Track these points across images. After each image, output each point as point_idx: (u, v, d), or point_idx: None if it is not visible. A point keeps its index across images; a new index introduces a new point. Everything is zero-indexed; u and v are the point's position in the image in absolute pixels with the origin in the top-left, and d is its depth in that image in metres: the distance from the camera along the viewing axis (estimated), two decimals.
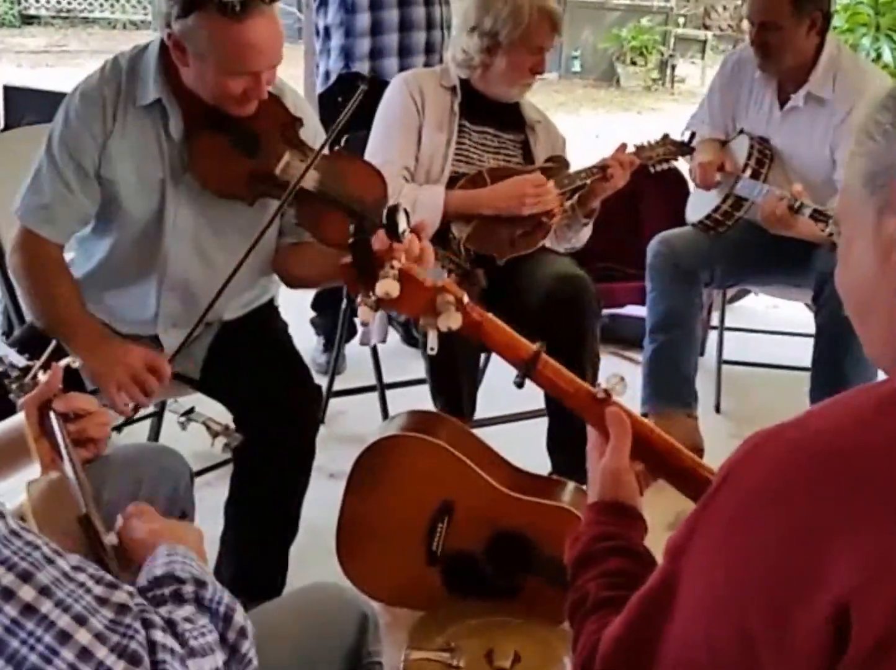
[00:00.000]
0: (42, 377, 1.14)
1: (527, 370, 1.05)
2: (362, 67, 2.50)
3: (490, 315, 1.11)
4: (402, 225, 1.19)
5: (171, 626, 0.73)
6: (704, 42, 12.02)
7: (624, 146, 2.13)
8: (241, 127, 1.53)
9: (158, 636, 0.70)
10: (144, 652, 0.68)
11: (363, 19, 2.49)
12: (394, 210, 1.19)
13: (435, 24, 2.56)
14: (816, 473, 0.60)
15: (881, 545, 0.56)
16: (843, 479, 0.59)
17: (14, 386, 1.17)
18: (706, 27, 14.01)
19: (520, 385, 1.07)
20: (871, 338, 0.72)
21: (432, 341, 1.12)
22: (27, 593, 0.65)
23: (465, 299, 1.11)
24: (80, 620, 0.66)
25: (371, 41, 2.50)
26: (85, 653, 0.66)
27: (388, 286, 1.09)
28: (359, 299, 1.12)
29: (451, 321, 1.09)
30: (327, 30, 2.57)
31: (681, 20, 12.64)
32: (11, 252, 1.61)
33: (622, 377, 1.03)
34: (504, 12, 1.99)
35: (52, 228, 1.58)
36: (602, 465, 0.95)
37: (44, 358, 1.18)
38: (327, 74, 2.59)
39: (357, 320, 1.23)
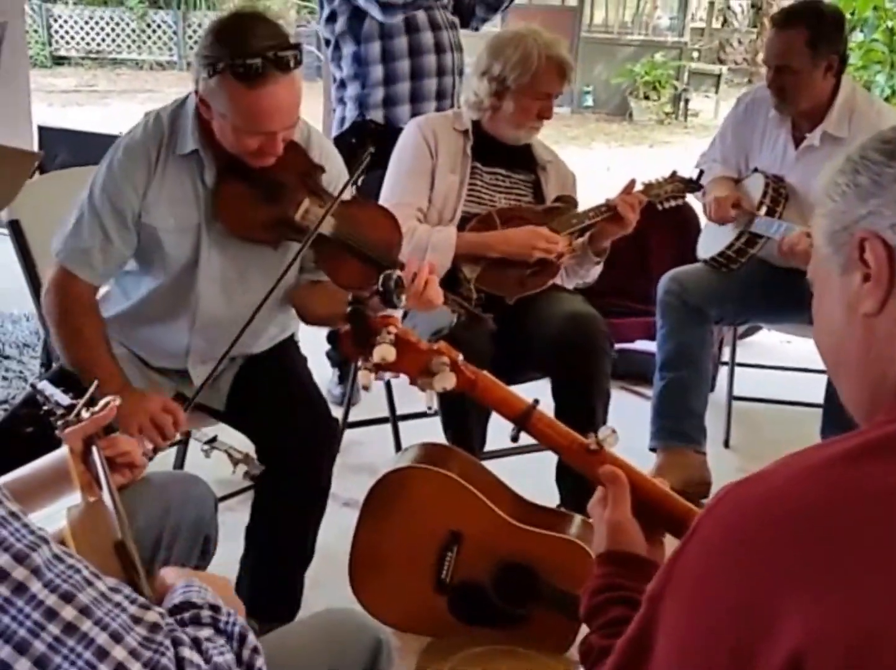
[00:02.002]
0: (85, 414, 1.22)
1: (521, 424, 1.09)
2: (376, 115, 2.59)
3: (484, 373, 1.15)
4: (397, 292, 1.24)
5: (196, 644, 0.78)
6: (719, 76, 12.06)
7: (632, 183, 2.15)
8: (265, 176, 1.60)
9: (186, 652, 0.76)
10: (174, 667, 0.74)
11: (376, 71, 2.58)
12: (388, 278, 1.25)
13: (446, 70, 2.63)
14: (766, 530, 0.60)
15: (828, 602, 0.56)
16: (790, 537, 0.59)
17: (59, 422, 1.23)
18: (721, 61, 14.12)
19: (515, 439, 1.10)
20: (845, 391, 0.74)
21: (429, 400, 1.17)
22: (69, 613, 0.71)
23: (460, 359, 1.15)
24: (117, 638, 0.72)
25: (384, 91, 2.58)
26: (121, 668, 0.71)
27: (384, 352, 1.14)
28: (358, 364, 1.17)
29: (446, 382, 1.13)
30: (342, 81, 2.66)
31: (695, 54, 12.73)
32: (45, 292, 1.67)
33: (613, 429, 1.05)
34: (514, 59, 2.03)
35: (91, 271, 1.63)
36: (605, 519, 0.96)
37: (87, 396, 1.26)
38: (342, 121, 2.68)
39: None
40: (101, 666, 0.71)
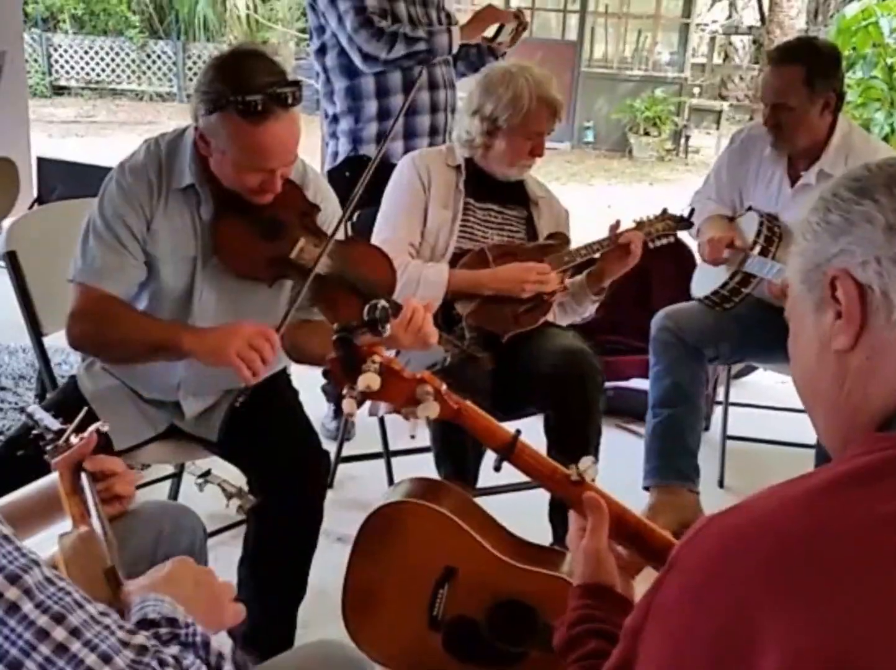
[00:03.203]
0: (74, 440, 1.23)
1: (505, 454, 1.11)
2: (369, 150, 2.61)
3: (468, 403, 1.16)
4: (383, 321, 1.25)
5: (178, 663, 0.80)
6: (720, 112, 12.13)
7: (617, 224, 2.16)
8: (262, 213, 1.62)
9: None
10: None
11: (370, 106, 2.60)
12: (374, 307, 1.26)
13: (439, 107, 2.66)
14: (746, 559, 0.61)
15: (806, 629, 0.57)
16: (769, 566, 0.60)
17: (49, 447, 1.25)
18: (722, 97, 14.25)
19: (497, 468, 1.12)
20: (820, 425, 0.75)
21: (412, 429, 1.19)
22: (60, 634, 0.73)
23: (444, 389, 1.16)
24: (106, 659, 0.74)
25: (378, 126, 2.61)
26: None
27: (369, 380, 1.14)
28: (344, 392, 1.17)
29: (430, 411, 1.14)
30: (335, 115, 2.68)
31: (696, 90, 12.86)
32: (74, 322, 1.61)
33: (594, 460, 1.07)
34: (505, 98, 2.05)
35: (117, 284, 1.62)
36: (581, 547, 0.98)
37: (76, 422, 1.27)
38: (335, 155, 2.70)
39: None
40: None
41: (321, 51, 2.64)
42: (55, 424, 1.30)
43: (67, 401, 1.62)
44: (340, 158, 2.68)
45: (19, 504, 1.06)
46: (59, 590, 0.74)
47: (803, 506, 0.62)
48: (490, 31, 2.83)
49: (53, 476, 1.11)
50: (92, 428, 1.24)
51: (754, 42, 15.39)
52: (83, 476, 1.16)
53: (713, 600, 0.61)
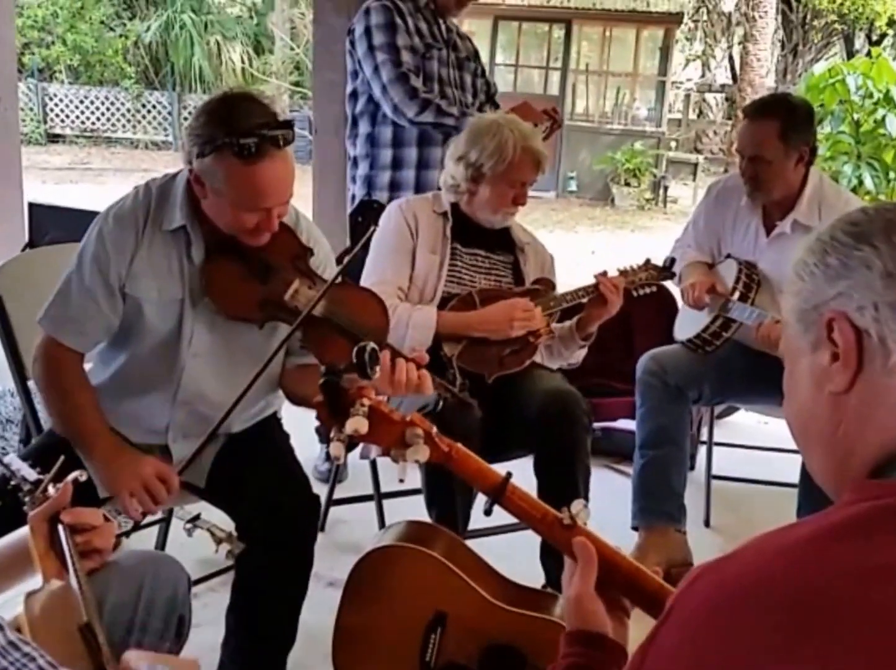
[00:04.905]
0: (52, 490, 1.20)
1: (496, 497, 1.09)
2: (381, 196, 2.68)
3: (459, 445, 1.14)
4: (371, 364, 1.25)
5: None
6: (696, 165, 12.48)
7: (603, 273, 2.20)
8: (255, 256, 1.63)
9: None
10: None
11: (386, 154, 2.69)
12: (363, 349, 1.26)
13: None
14: (745, 607, 0.60)
15: None
16: (769, 615, 0.59)
17: (26, 498, 1.22)
18: (697, 151, 14.64)
19: (488, 512, 1.10)
20: (814, 466, 0.75)
21: (401, 472, 1.16)
22: None
23: (434, 431, 1.14)
24: None
25: (391, 174, 2.69)
26: None
27: (357, 424, 1.13)
28: (332, 434, 1.16)
29: (420, 454, 1.13)
30: (355, 159, 2.77)
31: (673, 144, 13.21)
32: (34, 361, 1.66)
33: (586, 503, 1.06)
34: (489, 147, 2.09)
35: (76, 338, 1.64)
36: (569, 594, 0.96)
37: (53, 472, 1.25)
38: (353, 198, 2.79)
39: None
40: None
41: (353, 95, 2.73)
42: (32, 474, 1.27)
43: (50, 447, 1.60)
44: (357, 202, 2.76)
45: None
46: (24, 656, 0.72)
47: (796, 558, 0.62)
48: None
49: (25, 529, 1.08)
50: (69, 478, 1.22)
51: (727, 99, 15.90)
52: (60, 528, 1.12)
53: (712, 649, 0.61)
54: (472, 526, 2.06)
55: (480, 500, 2.23)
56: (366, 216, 2.68)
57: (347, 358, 1.26)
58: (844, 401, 0.70)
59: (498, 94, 2.98)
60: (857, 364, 0.68)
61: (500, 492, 1.09)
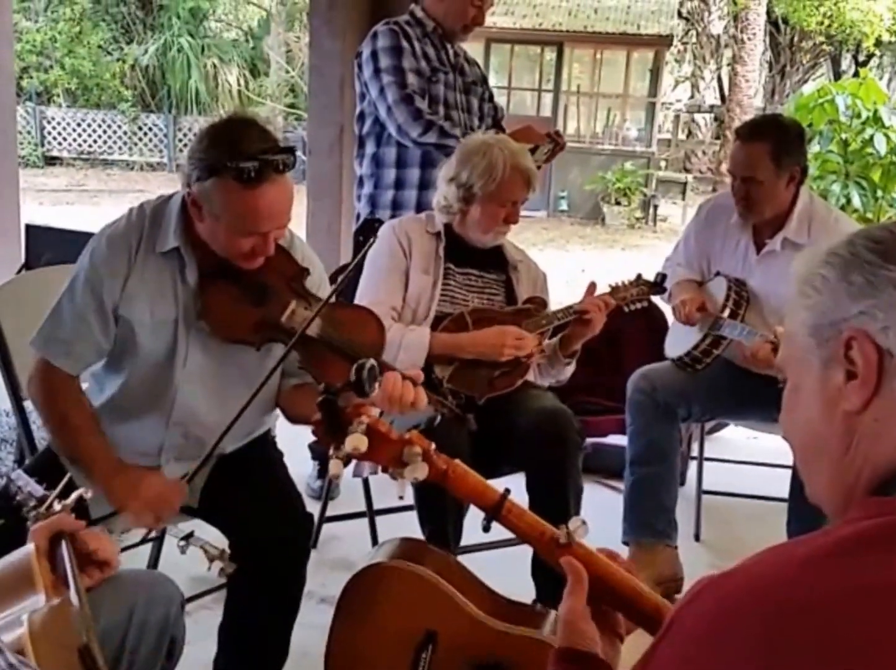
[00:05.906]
0: (57, 506, 1.20)
1: (493, 514, 1.09)
2: (384, 215, 2.72)
3: (457, 462, 1.15)
4: (369, 383, 1.26)
5: None
6: (685, 184, 12.58)
7: (593, 286, 2.22)
8: (251, 278, 1.63)
9: None
10: None
11: (389, 174, 2.73)
12: (361, 367, 1.26)
13: None
14: (751, 621, 0.60)
15: None
16: (776, 629, 0.58)
17: (31, 514, 1.22)
18: (686, 170, 14.77)
19: (486, 529, 1.10)
20: (815, 484, 0.74)
21: (400, 490, 1.17)
22: None
23: (432, 449, 1.15)
24: None
25: (394, 194, 2.74)
26: None
27: (356, 441, 1.13)
28: (330, 452, 1.16)
29: (418, 472, 1.13)
30: (361, 179, 2.82)
31: (662, 164, 13.34)
32: (29, 382, 1.67)
33: (583, 520, 1.05)
34: (480, 167, 2.11)
35: (67, 360, 1.64)
36: (560, 612, 0.96)
37: (59, 488, 1.25)
38: (358, 217, 2.85)
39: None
40: None
41: (360, 117, 2.78)
42: (38, 490, 1.27)
43: (45, 466, 1.60)
44: (361, 220, 2.81)
45: None
46: None
47: (801, 574, 0.61)
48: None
49: (29, 547, 1.08)
50: (75, 494, 1.23)
51: (715, 119, 16.08)
52: (63, 544, 1.12)
53: (715, 664, 0.60)
54: (464, 541, 2.06)
55: (472, 515, 2.25)
56: (368, 234, 2.71)
57: (346, 376, 1.26)
58: (857, 421, 0.68)
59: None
60: (875, 385, 0.67)
61: (498, 510, 1.09)
